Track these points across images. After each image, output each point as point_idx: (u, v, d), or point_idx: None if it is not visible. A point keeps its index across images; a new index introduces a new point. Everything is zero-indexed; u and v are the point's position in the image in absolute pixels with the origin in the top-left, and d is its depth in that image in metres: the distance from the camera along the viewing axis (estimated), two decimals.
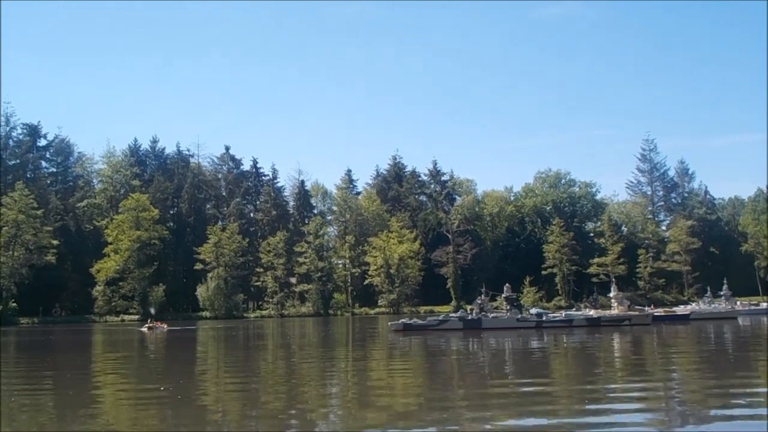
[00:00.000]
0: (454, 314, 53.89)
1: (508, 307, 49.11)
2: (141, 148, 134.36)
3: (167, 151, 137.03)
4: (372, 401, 16.73)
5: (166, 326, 63.51)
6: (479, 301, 49.64)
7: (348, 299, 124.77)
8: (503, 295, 50.64)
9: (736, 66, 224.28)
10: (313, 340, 45.43)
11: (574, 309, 62.75)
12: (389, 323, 52.42)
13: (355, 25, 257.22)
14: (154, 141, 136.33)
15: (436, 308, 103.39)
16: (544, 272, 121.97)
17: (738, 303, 73.61)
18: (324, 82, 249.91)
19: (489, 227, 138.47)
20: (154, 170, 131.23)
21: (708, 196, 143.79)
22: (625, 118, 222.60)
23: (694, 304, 75.18)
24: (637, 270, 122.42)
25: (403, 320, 50.27)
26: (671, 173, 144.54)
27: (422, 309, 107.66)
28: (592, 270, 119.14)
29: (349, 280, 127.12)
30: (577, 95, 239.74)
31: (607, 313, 52.70)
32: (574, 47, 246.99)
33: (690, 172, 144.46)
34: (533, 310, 51.40)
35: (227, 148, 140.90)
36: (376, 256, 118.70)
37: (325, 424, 13.93)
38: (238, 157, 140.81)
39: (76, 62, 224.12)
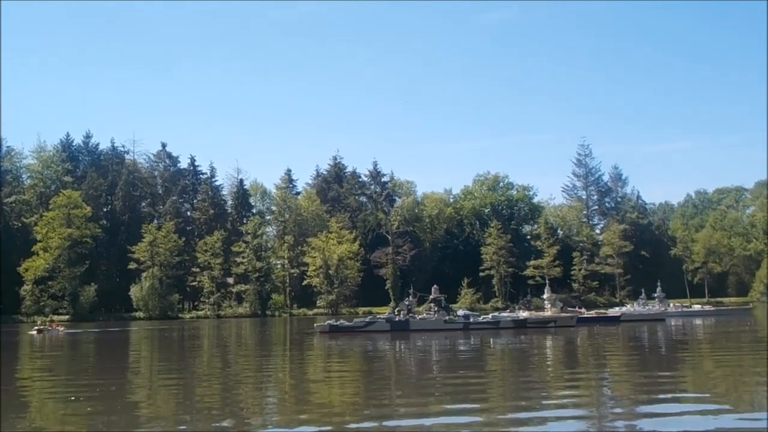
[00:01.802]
0: (381, 316, 53.88)
1: (436, 309, 49.35)
2: (73, 144, 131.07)
3: (101, 147, 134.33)
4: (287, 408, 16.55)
5: (62, 328, 61.33)
6: (407, 303, 49.73)
7: (286, 300, 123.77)
8: (431, 297, 50.80)
9: (668, 76, 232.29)
10: (249, 342, 44.95)
11: (508, 310, 63.62)
12: (315, 324, 51.97)
13: (295, 24, 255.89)
14: (88, 136, 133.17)
15: (375, 309, 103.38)
16: (481, 274, 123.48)
17: (671, 305, 75.88)
18: (263, 81, 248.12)
19: (428, 229, 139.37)
20: (87, 166, 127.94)
21: (640, 201, 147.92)
22: (563, 123, 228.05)
23: (628, 306, 77.15)
24: (572, 272, 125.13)
25: (329, 321, 49.84)
26: (605, 178, 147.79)
27: (361, 310, 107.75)
28: (528, 272, 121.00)
29: (288, 281, 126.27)
30: (516, 99, 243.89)
31: (533, 315, 53.68)
32: (515, 51, 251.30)
33: (623, 177, 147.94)
34: (460, 312, 51.75)
35: (164, 145, 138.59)
36: (315, 257, 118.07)
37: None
38: (174, 154, 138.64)
39: (5, 54, 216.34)
